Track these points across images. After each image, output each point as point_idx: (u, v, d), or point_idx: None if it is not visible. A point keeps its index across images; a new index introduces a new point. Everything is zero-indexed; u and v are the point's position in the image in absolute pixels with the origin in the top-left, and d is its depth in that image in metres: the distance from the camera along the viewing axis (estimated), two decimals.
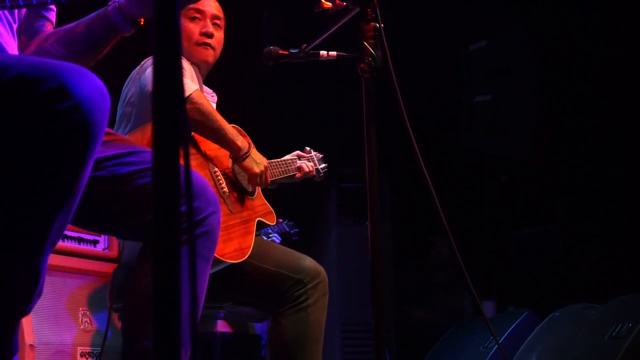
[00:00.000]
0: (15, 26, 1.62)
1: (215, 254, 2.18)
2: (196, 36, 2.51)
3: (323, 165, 2.98)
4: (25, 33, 1.72)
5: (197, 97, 2.26)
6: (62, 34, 1.70)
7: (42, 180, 1.24)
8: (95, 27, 1.66)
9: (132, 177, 1.59)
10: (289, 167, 2.76)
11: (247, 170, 2.40)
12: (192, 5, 2.47)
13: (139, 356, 1.64)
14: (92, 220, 1.70)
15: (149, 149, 1.63)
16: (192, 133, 2.35)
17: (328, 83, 4.95)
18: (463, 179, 5.45)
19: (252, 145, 2.42)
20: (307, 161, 2.83)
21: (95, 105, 1.25)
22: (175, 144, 0.81)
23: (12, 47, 1.58)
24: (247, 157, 2.37)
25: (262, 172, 2.40)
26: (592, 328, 2.90)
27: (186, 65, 2.43)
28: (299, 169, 2.77)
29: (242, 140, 2.37)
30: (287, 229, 3.86)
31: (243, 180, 2.49)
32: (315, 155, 2.95)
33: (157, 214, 0.81)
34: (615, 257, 4.83)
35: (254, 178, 2.41)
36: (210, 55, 2.55)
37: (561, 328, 3.09)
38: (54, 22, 1.79)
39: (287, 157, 2.81)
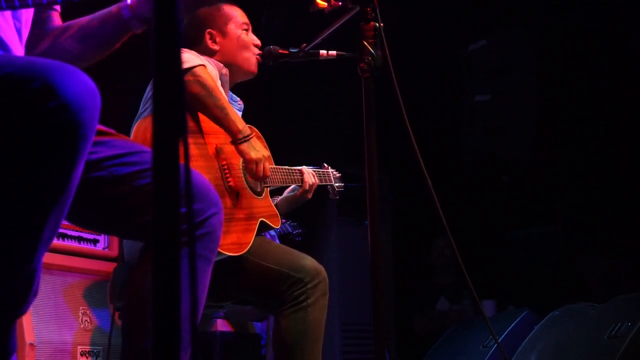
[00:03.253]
0: (20, 23, 1.62)
1: None
2: (253, 48, 2.56)
3: (339, 183, 2.90)
4: (35, 26, 1.72)
5: (200, 72, 2.24)
6: (76, 29, 1.71)
7: (33, 181, 1.24)
8: (108, 24, 1.68)
9: (133, 177, 1.59)
10: (292, 177, 2.68)
11: (243, 154, 2.32)
12: (242, 20, 2.57)
13: (138, 357, 1.64)
14: (92, 220, 1.70)
15: (149, 149, 1.63)
16: (203, 125, 2.33)
17: (328, 82, 4.95)
18: (463, 179, 5.45)
19: (258, 135, 2.38)
20: (311, 175, 2.73)
21: (84, 104, 1.24)
22: (176, 144, 0.81)
23: (16, 45, 1.58)
24: (245, 141, 2.30)
25: (258, 159, 2.31)
26: (591, 327, 2.90)
27: (209, 62, 2.42)
28: (302, 181, 2.69)
29: (243, 125, 2.31)
30: (290, 230, 3.84)
31: (252, 180, 2.48)
32: (332, 172, 2.89)
33: (157, 214, 0.81)
34: (614, 257, 4.83)
35: (250, 164, 2.31)
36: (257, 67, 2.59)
37: (561, 327, 3.09)
38: (59, 9, 1.79)
39: (292, 168, 2.73)
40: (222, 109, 2.27)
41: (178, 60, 0.81)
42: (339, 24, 1.91)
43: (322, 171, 2.86)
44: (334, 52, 2.21)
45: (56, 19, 1.78)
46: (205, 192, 1.65)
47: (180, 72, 0.82)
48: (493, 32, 5.08)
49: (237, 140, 2.30)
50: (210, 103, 2.24)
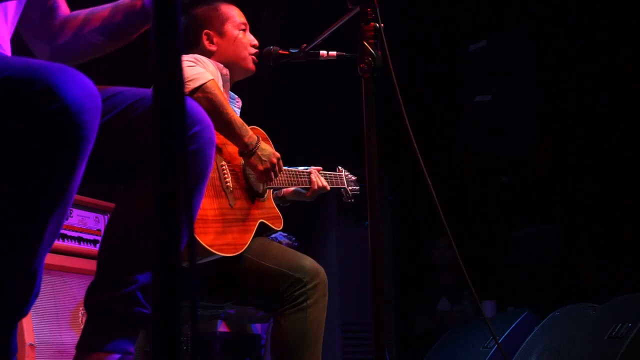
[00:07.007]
0: (7, 20, 1.60)
1: (205, 244, 2.18)
2: (250, 48, 2.56)
3: (354, 187, 2.87)
4: (46, 16, 1.70)
5: (211, 87, 2.24)
6: (99, 22, 1.70)
7: (34, 183, 1.24)
8: (134, 16, 1.67)
9: (120, 119, 1.53)
10: (299, 179, 2.66)
11: (252, 167, 2.37)
12: (240, 20, 2.56)
13: (124, 301, 1.52)
14: (99, 173, 1.58)
15: (125, 88, 1.60)
16: None
17: (328, 83, 4.95)
18: (463, 179, 5.46)
19: (261, 141, 2.39)
20: (321, 177, 2.70)
21: (84, 105, 1.24)
22: (176, 144, 0.81)
23: (6, 43, 1.57)
24: (253, 153, 2.33)
25: (267, 169, 2.36)
26: (591, 328, 2.90)
27: (210, 63, 2.43)
28: (310, 183, 2.67)
29: (249, 137, 2.33)
30: (291, 241, 3.81)
31: (253, 181, 2.48)
32: (346, 175, 2.87)
33: (157, 218, 0.81)
34: (614, 257, 4.84)
35: (260, 175, 2.38)
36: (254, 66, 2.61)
37: (561, 328, 3.09)
38: None
39: (300, 168, 2.70)
40: (229, 123, 2.28)
41: (178, 60, 0.81)
42: (339, 24, 1.91)
43: (334, 174, 2.84)
44: (334, 53, 2.20)
45: (63, 6, 1.76)
46: (193, 113, 1.58)
47: (180, 73, 0.81)
48: (493, 32, 5.08)
49: (244, 153, 2.35)
50: (217, 118, 2.22)
